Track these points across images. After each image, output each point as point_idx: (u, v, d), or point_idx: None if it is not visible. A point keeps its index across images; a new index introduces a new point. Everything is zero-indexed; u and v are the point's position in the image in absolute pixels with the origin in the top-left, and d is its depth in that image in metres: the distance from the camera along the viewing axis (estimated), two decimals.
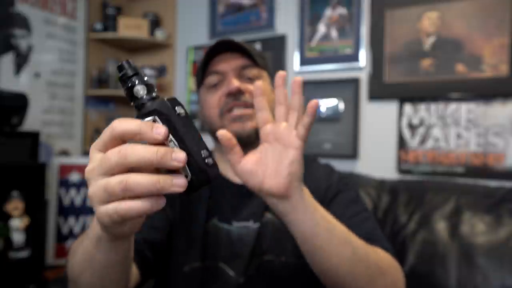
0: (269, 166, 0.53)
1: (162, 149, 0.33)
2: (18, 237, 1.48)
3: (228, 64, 0.76)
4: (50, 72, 1.91)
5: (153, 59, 2.28)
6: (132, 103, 0.37)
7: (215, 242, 0.73)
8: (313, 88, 1.75)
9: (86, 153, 2.09)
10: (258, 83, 0.54)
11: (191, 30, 2.15)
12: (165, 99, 0.36)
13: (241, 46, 0.75)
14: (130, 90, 0.36)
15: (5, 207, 1.48)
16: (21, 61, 1.77)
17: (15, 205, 1.49)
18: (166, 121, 0.35)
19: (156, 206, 0.34)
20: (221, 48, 0.76)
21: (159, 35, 2.16)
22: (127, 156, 0.33)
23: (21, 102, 1.50)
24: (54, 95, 1.93)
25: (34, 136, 1.58)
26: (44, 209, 1.68)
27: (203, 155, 0.36)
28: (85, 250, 0.46)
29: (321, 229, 0.53)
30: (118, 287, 0.50)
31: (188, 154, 0.35)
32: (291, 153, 0.52)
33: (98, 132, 2.14)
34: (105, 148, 0.36)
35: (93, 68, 2.13)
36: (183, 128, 0.35)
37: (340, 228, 0.57)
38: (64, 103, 1.98)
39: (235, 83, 0.73)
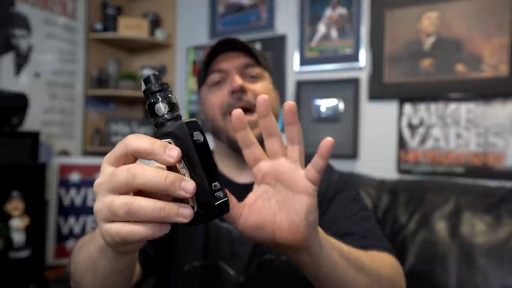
0: (277, 215, 0.43)
1: (172, 176, 0.32)
2: (18, 237, 1.48)
3: (230, 63, 0.76)
4: (50, 72, 1.91)
5: (153, 59, 2.28)
6: (152, 120, 0.36)
7: (216, 241, 0.73)
8: (313, 88, 1.75)
9: (86, 153, 2.10)
10: (237, 112, 0.42)
11: (191, 30, 2.15)
12: (185, 121, 0.35)
13: (244, 45, 0.76)
14: (151, 106, 0.35)
15: (5, 207, 1.48)
16: (21, 61, 1.77)
17: (15, 205, 1.49)
18: (181, 146, 0.34)
19: (159, 233, 0.33)
20: (223, 47, 0.76)
21: (159, 35, 2.16)
22: (135, 177, 0.32)
23: (21, 102, 1.50)
24: (54, 95, 1.93)
25: (34, 136, 1.58)
26: (44, 209, 1.67)
27: (213, 188, 0.34)
28: (90, 254, 0.46)
29: (339, 269, 0.48)
30: None
31: (197, 184, 0.33)
32: (305, 201, 0.42)
33: (98, 132, 2.14)
34: (117, 163, 0.35)
35: (93, 68, 2.13)
36: (196, 156, 0.34)
37: (353, 256, 0.51)
38: (64, 103, 1.99)
39: (238, 80, 0.73)
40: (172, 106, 0.35)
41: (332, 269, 0.47)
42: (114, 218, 0.33)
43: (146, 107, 0.36)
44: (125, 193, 0.33)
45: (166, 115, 0.35)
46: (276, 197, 0.44)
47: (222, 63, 0.76)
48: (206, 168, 0.34)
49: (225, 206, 0.36)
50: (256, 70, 0.77)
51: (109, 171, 0.35)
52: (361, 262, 0.52)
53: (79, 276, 0.50)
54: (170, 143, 0.34)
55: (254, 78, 0.77)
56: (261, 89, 0.76)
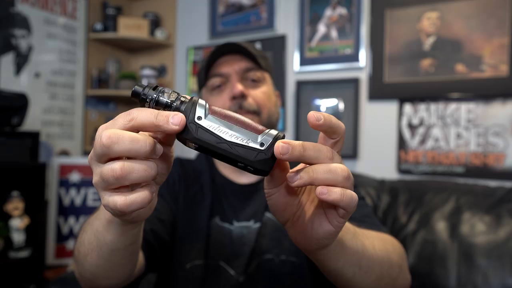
0: (299, 216, 0.41)
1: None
2: (18, 237, 1.48)
3: (231, 67, 0.76)
4: (50, 72, 1.91)
5: (153, 59, 2.28)
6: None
7: (217, 241, 0.74)
8: (313, 88, 1.75)
9: (86, 153, 2.09)
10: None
11: (191, 30, 2.15)
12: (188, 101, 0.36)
13: (245, 49, 0.75)
14: (157, 102, 0.36)
15: (5, 207, 1.48)
16: (21, 61, 1.77)
17: (15, 205, 1.49)
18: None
19: (151, 195, 0.34)
20: (224, 50, 0.76)
21: (159, 35, 2.16)
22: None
23: (21, 102, 1.50)
24: (54, 95, 1.93)
25: (34, 136, 1.58)
26: (44, 209, 1.68)
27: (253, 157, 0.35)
28: (95, 231, 0.47)
29: (348, 268, 0.47)
30: (122, 272, 0.51)
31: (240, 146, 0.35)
32: (328, 230, 0.38)
33: None
34: (119, 126, 0.35)
35: (93, 68, 2.13)
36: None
37: (368, 254, 0.50)
38: (64, 103, 1.99)
39: (239, 87, 0.73)
40: (176, 94, 0.36)
41: (341, 267, 0.46)
42: (108, 186, 0.34)
43: (153, 107, 0.36)
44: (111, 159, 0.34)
45: (175, 103, 0.36)
46: (307, 202, 0.41)
47: (222, 67, 0.77)
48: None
49: (267, 164, 0.36)
50: (257, 74, 0.78)
51: (111, 124, 0.35)
52: (372, 253, 0.52)
53: (83, 256, 0.50)
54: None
55: (255, 82, 0.77)
56: (262, 94, 0.77)
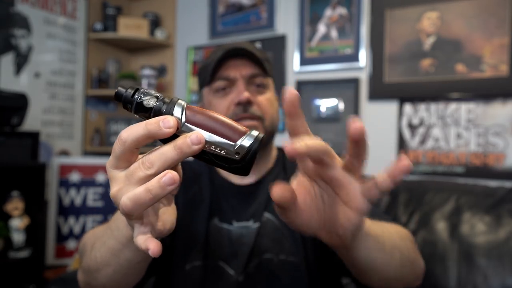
0: (322, 216, 0.40)
1: (178, 142, 0.33)
2: (18, 237, 1.48)
3: (238, 72, 0.76)
4: (50, 72, 1.91)
5: (153, 59, 2.28)
6: (147, 115, 0.36)
7: (216, 241, 0.74)
8: (313, 88, 1.75)
9: (86, 153, 2.09)
10: (292, 93, 0.36)
11: (191, 30, 2.15)
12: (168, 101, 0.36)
13: (252, 54, 0.76)
14: (140, 105, 0.36)
15: (5, 207, 1.48)
16: (21, 61, 1.78)
17: (15, 205, 1.49)
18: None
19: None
20: (232, 53, 0.76)
21: (159, 35, 2.16)
22: (153, 165, 0.33)
23: (21, 102, 1.50)
24: (54, 95, 1.93)
25: (34, 136, 1.58)
26: (44, 209, 1.68)
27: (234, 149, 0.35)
28: (111, 249, 0.47)
29: (372, 252, 0.47)
30: (133, 280, 0.53)
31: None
32: (354, 219, 0.38)
33: (98, 132, 2.14)
34: (123, 164, 0.35)
35: (93, 68, 2.13)
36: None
37: (388, 239, 0.51)
38: (64, 103, 1.99)
39: (246, 94, 0.74)
40: (157, 96, 0.36)
41: (366, 257, 0.47)
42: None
43: (134, 110, 0.36)
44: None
45: (157, 103, 0.36)
46: (323, 198, 0.40)
47: (230, 70, 0.76)
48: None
49: (243, 171, 0.36)
50: (263, 80, 0.78)
51: (122, 176, 0.35)
52: (394, 244, 0.53)
53: (95, 270, 0.51)
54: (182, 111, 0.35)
55: (260, 88, 0.78)
56: (266, 101, 0.78)
